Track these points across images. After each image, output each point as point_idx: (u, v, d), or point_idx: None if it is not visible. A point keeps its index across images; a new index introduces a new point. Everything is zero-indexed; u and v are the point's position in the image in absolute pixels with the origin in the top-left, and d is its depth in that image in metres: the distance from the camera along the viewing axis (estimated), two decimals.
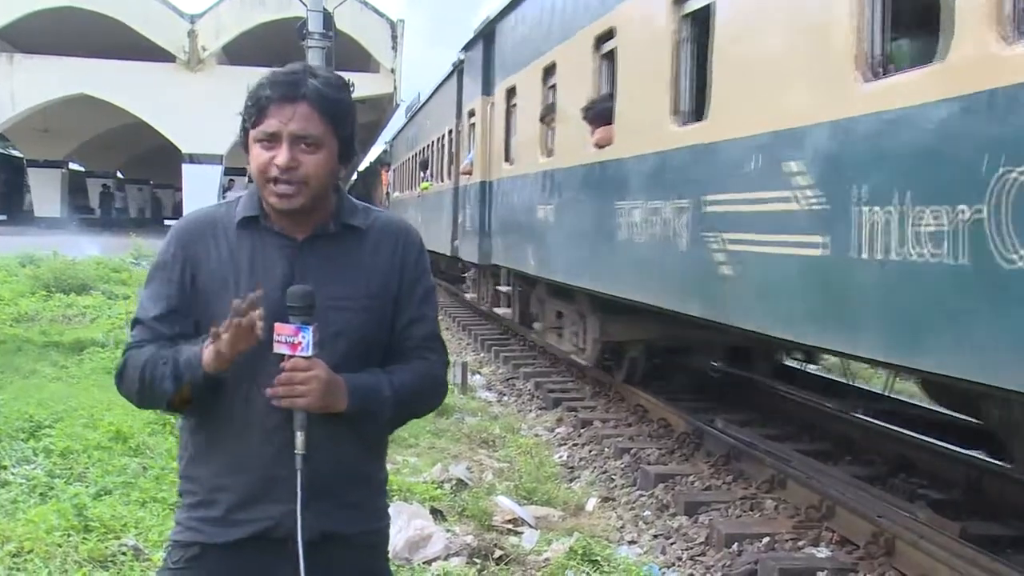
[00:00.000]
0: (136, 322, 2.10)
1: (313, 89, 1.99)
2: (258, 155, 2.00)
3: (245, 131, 2.03)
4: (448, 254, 15.75)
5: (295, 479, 1.94)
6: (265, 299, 1.92)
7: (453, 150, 15.75)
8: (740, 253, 5.25)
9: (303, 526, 1.94)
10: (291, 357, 1.90)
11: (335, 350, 1.98)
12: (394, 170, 30.47)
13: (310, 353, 1.90)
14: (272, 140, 1.98)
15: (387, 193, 31.50)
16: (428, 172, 19.75)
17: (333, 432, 1.99)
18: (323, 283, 2.00)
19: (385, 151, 34.56)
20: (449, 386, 2.28)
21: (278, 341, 1.91)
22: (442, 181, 17.41)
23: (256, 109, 1.99)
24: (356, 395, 1.98)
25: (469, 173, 13.55)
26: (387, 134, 35.21)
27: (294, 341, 1.90)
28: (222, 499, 2.04)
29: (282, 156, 1.97)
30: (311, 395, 1.91)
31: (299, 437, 1.93)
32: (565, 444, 7.53)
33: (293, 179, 1.98)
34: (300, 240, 2.06)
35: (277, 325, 1.91)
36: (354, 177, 56.69)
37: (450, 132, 16.42)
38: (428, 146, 20.04)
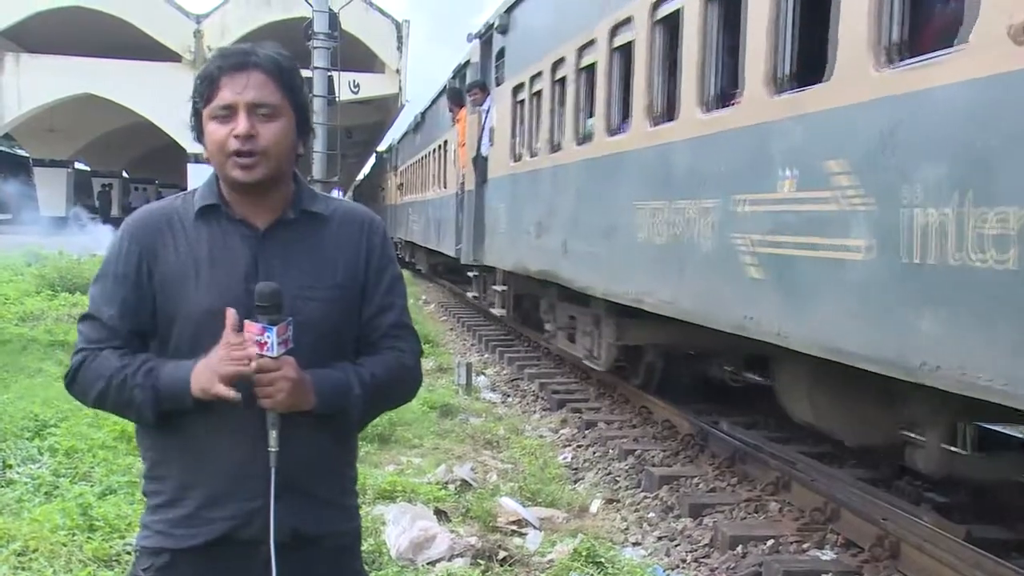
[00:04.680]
0: (88, 318, 2.00)
1: (265, 56, 1.94)
2: (214, 131, 1.93)
3: (197, 112, 1.96)
4: None
5: (266, 475, 1.90)
6: (228, 291, 1.90)
7: None
8: None
9: (275, 524, 1.90)
10: (260, 356, 1.86)
11: (303, 341, 1.91)
12: (499, 106, 11.18)
13: (276, 354, 1.86)
14: (228, 112, 1.91)
15: (474, 161, 12.20)
16: None
17: (304, 428, 1.94)
18: (287, 273, 1.95)
19: (457, 76, 15.18)
20: (422, 378, 2.21)
21: (247, 340, 1.88)
22: None
23: (208, 84, 1.93)
24: (323, 394, 1.94)
25: None
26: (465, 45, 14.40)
27: (261, 340, 1.86)
28: (191, 497, 1.97)
29: (241, 125, 1.90)
30: (278, 395, 1.87)
31: (272, 435, 1.90)
32: (569, 445, 7.52)
33: (255, 149, 1.91)
34: (262, 229, 2.00)
35: (246, 323, 1.86)
36: (361, 175, 56.07)
37: None
38: None
